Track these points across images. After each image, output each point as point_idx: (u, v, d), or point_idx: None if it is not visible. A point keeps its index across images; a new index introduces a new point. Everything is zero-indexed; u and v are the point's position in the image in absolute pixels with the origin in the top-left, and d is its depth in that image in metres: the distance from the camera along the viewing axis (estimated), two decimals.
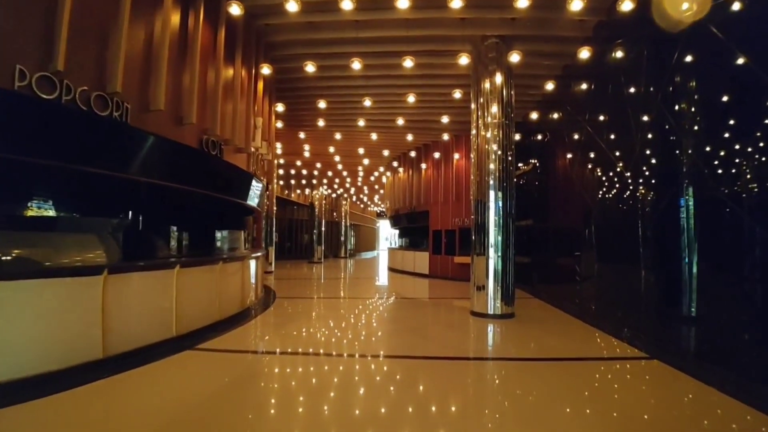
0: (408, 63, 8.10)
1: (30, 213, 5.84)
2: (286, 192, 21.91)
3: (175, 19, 5.80)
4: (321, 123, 11.91)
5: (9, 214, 5.35)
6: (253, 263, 8.63)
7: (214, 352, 5.17)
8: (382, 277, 15.73)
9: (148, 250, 7.20)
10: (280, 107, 10.11)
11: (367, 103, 10.25)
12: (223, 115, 6.87)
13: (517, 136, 11.37)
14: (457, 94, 9.70)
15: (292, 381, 4.21)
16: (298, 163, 17.64)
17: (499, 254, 7.46)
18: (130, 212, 8.07)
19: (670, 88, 5.90)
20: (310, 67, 8.33)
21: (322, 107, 10.56)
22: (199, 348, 5.27)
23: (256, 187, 9.03)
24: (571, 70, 9.02)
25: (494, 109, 7.66)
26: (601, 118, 8.06)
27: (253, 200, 9.00)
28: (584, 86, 8.71)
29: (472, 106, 7.91)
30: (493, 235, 7.50)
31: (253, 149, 8.24)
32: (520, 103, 10.27)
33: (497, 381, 4.34)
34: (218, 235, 9.02)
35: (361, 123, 11.98)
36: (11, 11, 3.93)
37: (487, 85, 7.72)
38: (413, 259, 16.15)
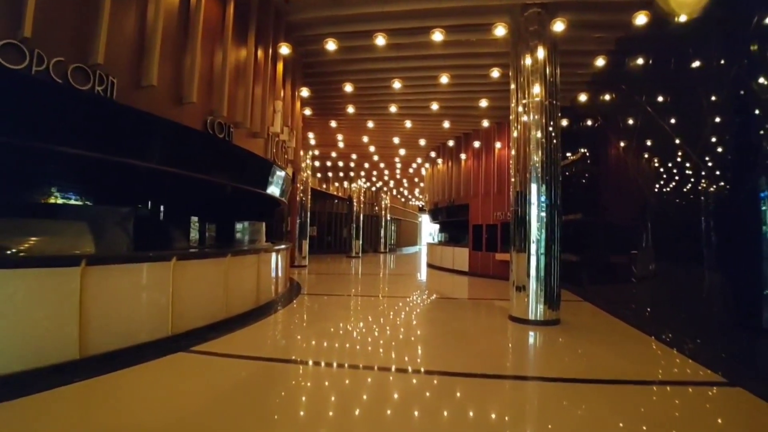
0: (438, 36, 7.18)
1: (28, 200, 5.55)
2: (324, 185, 21.51)
3: None
4: (351, 110, 11.19)
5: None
6: (273, 257, 8.08)
7: (210, 355, 4.55)
8: (420, 274, 14.87)
9: (162, 241, 6.80)
10: (305, 92, 9.49)
11: (397, 85, 9.40)
12: (233, 96, 6.29)
13: (564, 122, 10.17)
14: (495, 73, 8.65)
15: (290, 397, 3.46)
16: (333, 154, 17.08)
17: (542, 251, 6.43)
18: (148, 202, 7.77)
19: (746, 61, 4.82)
20: (331, 45, 7.60)
21: (350, 91, 9.81)
22: (193, 350, 4.68)
23: (277, 176, 8.46)
24: (625, 44, 7.75)
25: (536, 89, 6.61)
26: (662, 98, 6.83)
27: (273, 190, 8.44)
28: (641, 61, 7.45)
29: (512, 86, 6.89)
30: (535, 230, 6.48)
31: (271, 134, 7.65)
32: (566, 85, 9.06)
33: (533, 409, 3.41)
34: (238, 226, 8.56)
35: (393, 109, 11.12)
36: None
37: (527, 61, 6.68)
38: (452, 255, 15.18)
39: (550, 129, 6.56)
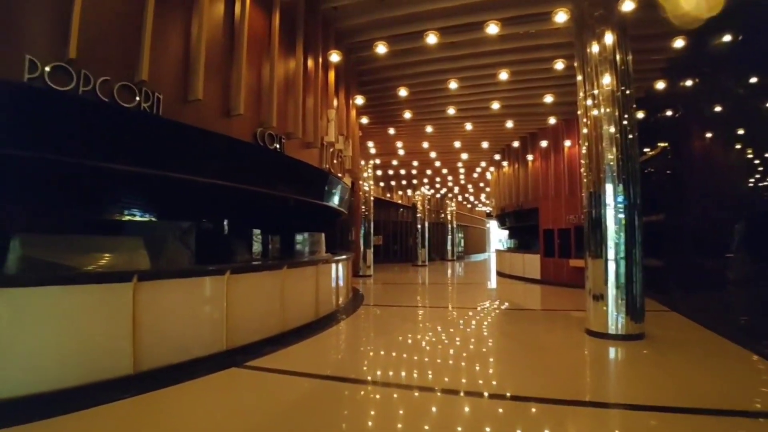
0: (493, 29, 6.67)
1: (92, 217, 5.82)
2: (388, 194, 21.38)
3: (218, 4, 5.28)
4: (408, 115, 10.88)
5: (72, 216, 5.33)
6: (332, 268, 7.93)
7: (264, 371, 4.40)
8: (488, 283, 14.12)
9: (224, 255, 6.87)
10: (359, 100, 9.34)
11: (453, 85, 8.94)
12: (283, 107, 6.23)
13: (640, 114, 9.10)
14: (559, 65, 7.91)
15: (347, 420, 3.18)
16: (395, 162, 16.86)
17: (622, 256, 5.64)
18: (213, 216, 7.96)
19: None
20: (381, 48, 7.38)
21: (405, 96, 9.52)
22: (248, 365, 4.56)
23: (333, 186, 8.34)
24: (708, 19, 6.71)
25: (606, 79, 5.87)
26: (756, 79, 5.77)
27: (330, 200, 8.33)
28: (729, 38, 6.38)
29: (578, 77, 6.20)
30: (612, 233, 5.71)
31: (326, 144, 7.54)
32: (640, 73, 8.08)
33: None
34: (299, 238, 8.53)
35: (452, 111, 10.65)
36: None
37: (594, 49, 5.96)
38: (522, 262, 14.23)
39: (624, 122, 5.79)
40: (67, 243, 4.39)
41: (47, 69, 3.67)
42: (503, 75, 8.50)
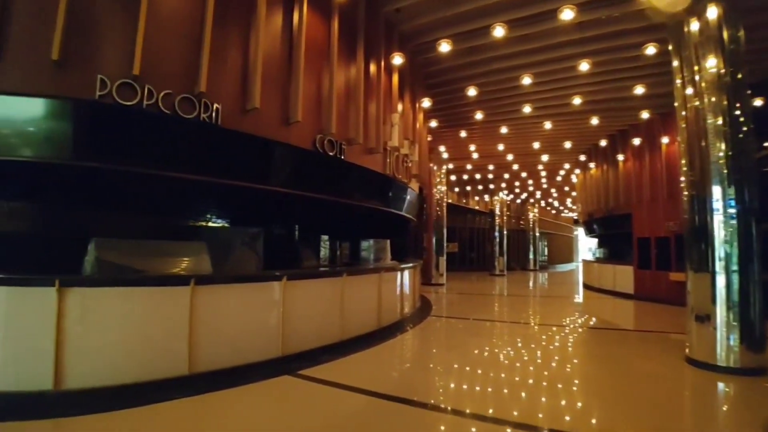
0: (568, 14, 6.02)
1: (164, 223, 6.16)
2: (464, 200, 20.73)
3: (276, 16, 5.34)
4: (479, 116, 10.35)
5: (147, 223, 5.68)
6: (398, 275, 7.69)
7: (317, 382, 4.26)
8: (574, 297, 12.95)
9: (291, 260, 6.97)
10: (426, 103, 9.05)
11: (527, 81, 8.29)
12: (343, 113, 6.14)
13: (758, 102, 7.71)
14: (650, 50, 6.95)
15: None
16: (469, 166, 16.26)
17: (735, 269, 4.71)
18: (285, 222, 8.15)
19: None
20: (445, 46, 7.05)
21: (475, 95, 9.05)
22: (300, 374, 4.45)
23: (398, 191, 8.13)
24: None
25: (710, 61, 4.99)
26: None
27: (396, 206, 8.12)
28: None
29: (674, 63, 5.36)
30: (721, 243, 4.81)
31: (389, 149, 7.36)
32: (754, 54, 6.82)
33: None
34: (364, 245, 8.43)
35: (527, 109, 9.92)
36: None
37: (693, 26, 5.11)
38: (613, 274, 12.85)
39: (736, 112, 4.87)
40: (137, 247, 4.63)
41: (115, 86, 3.92)
42: (584, 66, 7.69)
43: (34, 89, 3.70)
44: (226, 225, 7.30)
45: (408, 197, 8.67)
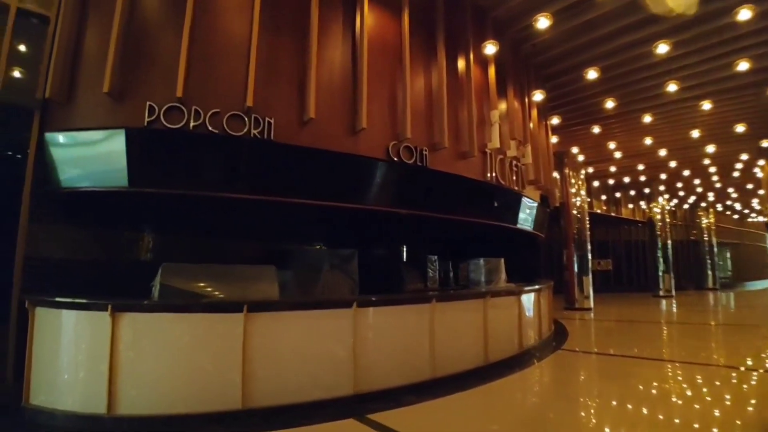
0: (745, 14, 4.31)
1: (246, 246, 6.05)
2: (614, 209, 17.53)
3: (335, 23, 4.89)
4: (609, 104, 8.39)
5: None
6: (513, 300, 6.40)
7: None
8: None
9: (392, 283, 6.40)
10: (539, 96, 7.61)
11: (662, 48, 6.32)
12: (422, 114, 5.33)
13: None
14: None
15: None
16: (613, 169, 13.53)
17: None
18: (380, 242, 7.64)
19: None
20: (544, 22, 5.73)
21: (595, 77, 7.31)
22: (374, 419, 3.72)
23: (508, 201, 6.91)
24: None
25: None
26: None
27: (507, 219, 6.89)
28: None
29: None
30: None
31: (490, 152, 6.24)
32: None
33: None
34: (472, 265, 7.33)
35: (672, 88, 7.63)
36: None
37: None
38: None
39: None
40: (203, 272, 4.47)
41: (162, 110, 3.84)
42: (744, 14, 5.44)
43: (95, 123, 3.83)
44: (321, 247, 7.03)
45: (523, 207, 7.34)
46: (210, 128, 3.96)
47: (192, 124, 3.91)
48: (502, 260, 7.22)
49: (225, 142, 4.08)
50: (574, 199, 12.69)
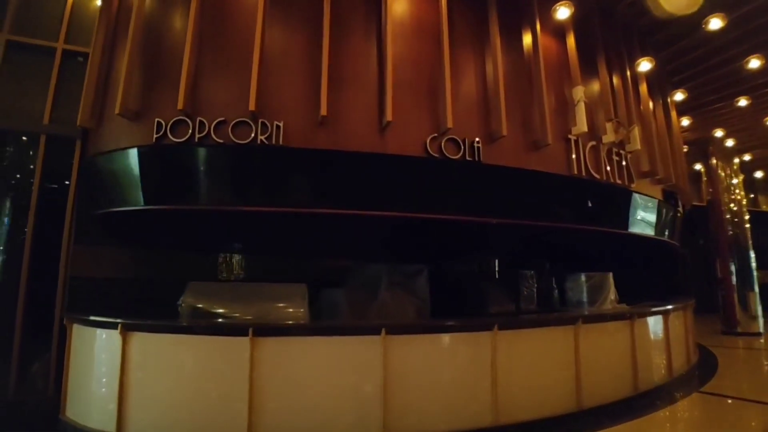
0: None
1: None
2: None
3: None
4: (754, 63, 6.07)
5: None
6: (627, 326, 4.82)
7: None
8: None
9: (474, 304, 5.47)
10: (646, 64, 5.81)
11: None
12: (463, 98, 4.29)
13: None
14: None
15: None
16: None
17: None
18: (468, 256, 6.66)
19: None
20: None
21: (719, 28, 5.30)
22: None
23: (614, 202, 5.37)
24: None
25: None
26: None
27: (615, 223, 5.36)
28: None
29: None
30: None
31: (576, 138, 4.87)
32: None
33: None
34: (569, 282, 5.87)
35: None
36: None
37: None
38: None
39: None
40: (228, 291, 4.15)
41: (169, 125, 3.62)
42: None
43: (115, 145, 3.79)
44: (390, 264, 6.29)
45: (636, 207, 5.65)
46: (215, 138, 3.62)
47: (197, 136, 3.61)
48: (610, 275, 5.61)
49: (233, 151, 3.71)
50: (726, 196, 9.83)
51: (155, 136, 3.59)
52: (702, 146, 9.96)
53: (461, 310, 5.33)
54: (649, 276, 7.65)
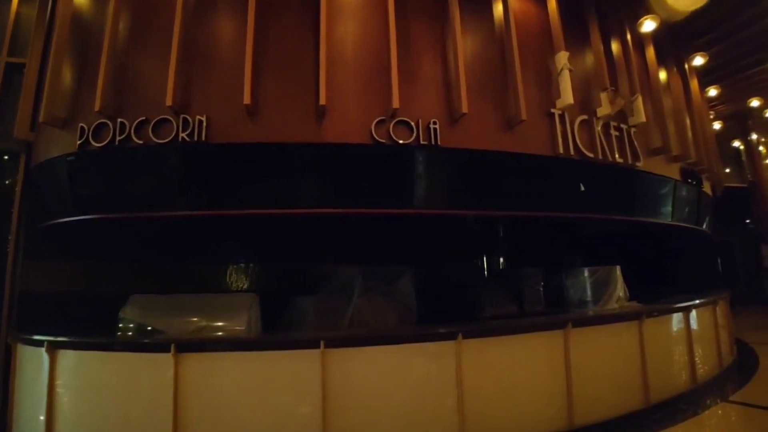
0: None
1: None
2: None
3: None
4: None
5: None
6: (635, 327, 4.04)
7: None
8: None
9: (466, 310, 4.92)
10: (650, 25, 4.93)
11: None
12: (413, 74, 3.66)
13: None
14: None
15: None
16: None
17: None
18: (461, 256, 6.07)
19: None
20: None
21: None
22: None
23: (617, 184, 4.59)
24: None
25: None
26: None
27: (619, 209, 4.58)
28: None
29: None
30: None
31: (561, 112, 4.13)
32: None
33: None
34: (569, 280, 5.08)
35: None
36: None
37: None
38: None
39: None
40: (171, 303, 3.76)
41: (90, 130, 3.30)
42: None
43: (47, 155, 3.51)
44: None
45: (645, 190, 4.83)
46: (135, 140, 3.26)
47: (118, 138, 3.26)
48: (617, 269, 4.79)
49: (155, 153, 3.33)
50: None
51: (78, 142, 3.28)
52: (741, 120, 8.69)
53: (454, 315, 4.73)
54: (680, 269, 6.66)
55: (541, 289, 5.04)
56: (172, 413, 2.88)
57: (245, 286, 4.73)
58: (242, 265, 4.83)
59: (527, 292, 5.11)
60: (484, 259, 6.24)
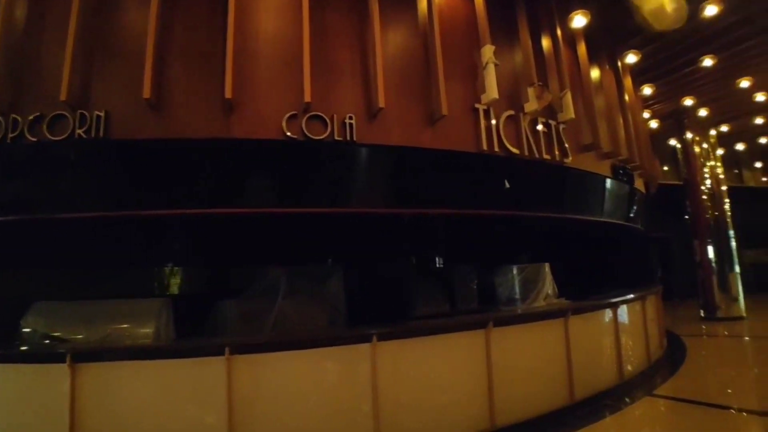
0: None
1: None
2: None
3: None
4: (710, 10, 5.14)
5: None
6: (560, 324, 4.05)
7: None
8: None
9: (397, 309, 4.76)
10: (581, 19, 4.94)
11: None
12: (329, 66, 3.50)
13: None
14: None
15: None
16: (760, 121, 8.93)
17: None
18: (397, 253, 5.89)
19: None
20: None
21: None
22: None
23: (545, 182, 4.59)
24: None
25: None
26: None
27: (548, 207, 4.58)
28: None
29: None
30: None
31: (486, 109, 4.09)
32: None
33: None
34: (498, 278, 5.06)
35: None
36: None
37: None
38: None
39: None
40: (75, 310, 3.47)
41: None
42: None
43: None
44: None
45: (574, 187, 4.86)
46: (29, 137, 2.97)
47: (9, 136, 2.96)
48: (545, 266, 4.81)
49: (50, 150, 3.05)
50: (703, 173, 8.87)
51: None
52: (677, 119, 9.01)
53: (386, 315, 4.60)
54: (617, 264, 6.81)
55: (475, 287, 5.00)
56: (68, 428, 2.63)
57: (167, 291, 4.45)
58: (163, 268, 4.55)
59: (461, 291, 5.05)
60: (420, 257, 6.15)
